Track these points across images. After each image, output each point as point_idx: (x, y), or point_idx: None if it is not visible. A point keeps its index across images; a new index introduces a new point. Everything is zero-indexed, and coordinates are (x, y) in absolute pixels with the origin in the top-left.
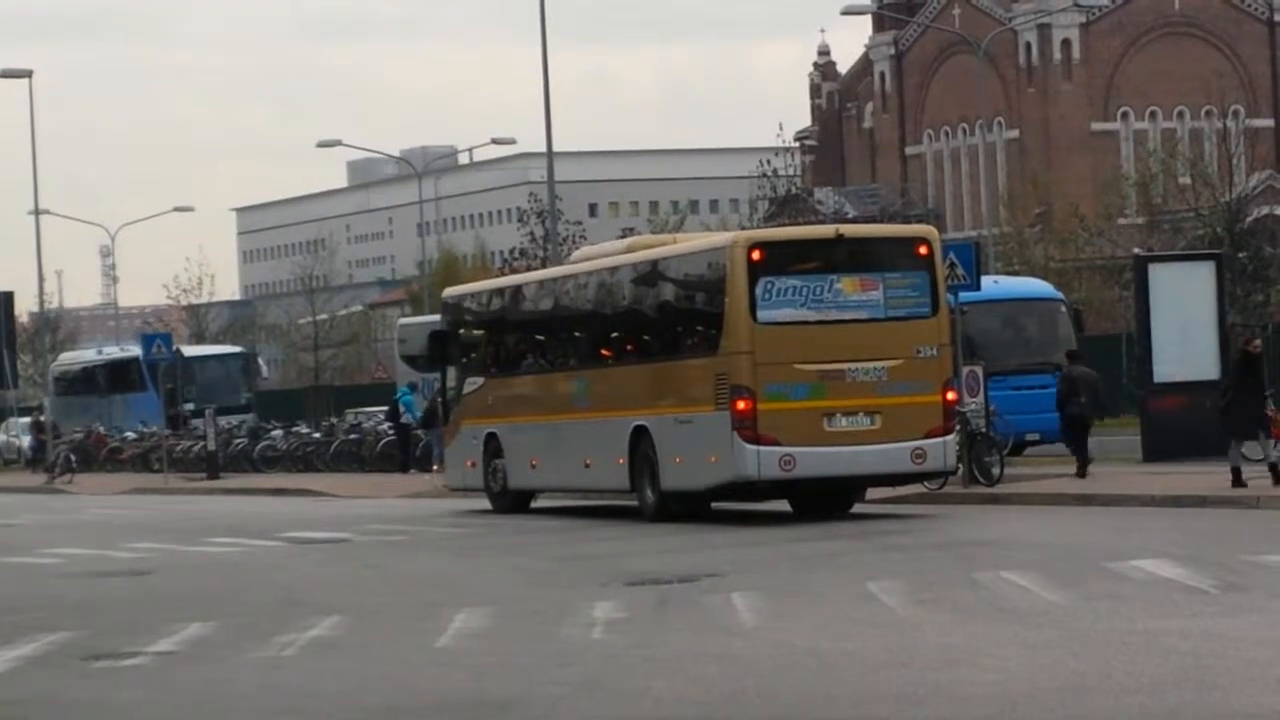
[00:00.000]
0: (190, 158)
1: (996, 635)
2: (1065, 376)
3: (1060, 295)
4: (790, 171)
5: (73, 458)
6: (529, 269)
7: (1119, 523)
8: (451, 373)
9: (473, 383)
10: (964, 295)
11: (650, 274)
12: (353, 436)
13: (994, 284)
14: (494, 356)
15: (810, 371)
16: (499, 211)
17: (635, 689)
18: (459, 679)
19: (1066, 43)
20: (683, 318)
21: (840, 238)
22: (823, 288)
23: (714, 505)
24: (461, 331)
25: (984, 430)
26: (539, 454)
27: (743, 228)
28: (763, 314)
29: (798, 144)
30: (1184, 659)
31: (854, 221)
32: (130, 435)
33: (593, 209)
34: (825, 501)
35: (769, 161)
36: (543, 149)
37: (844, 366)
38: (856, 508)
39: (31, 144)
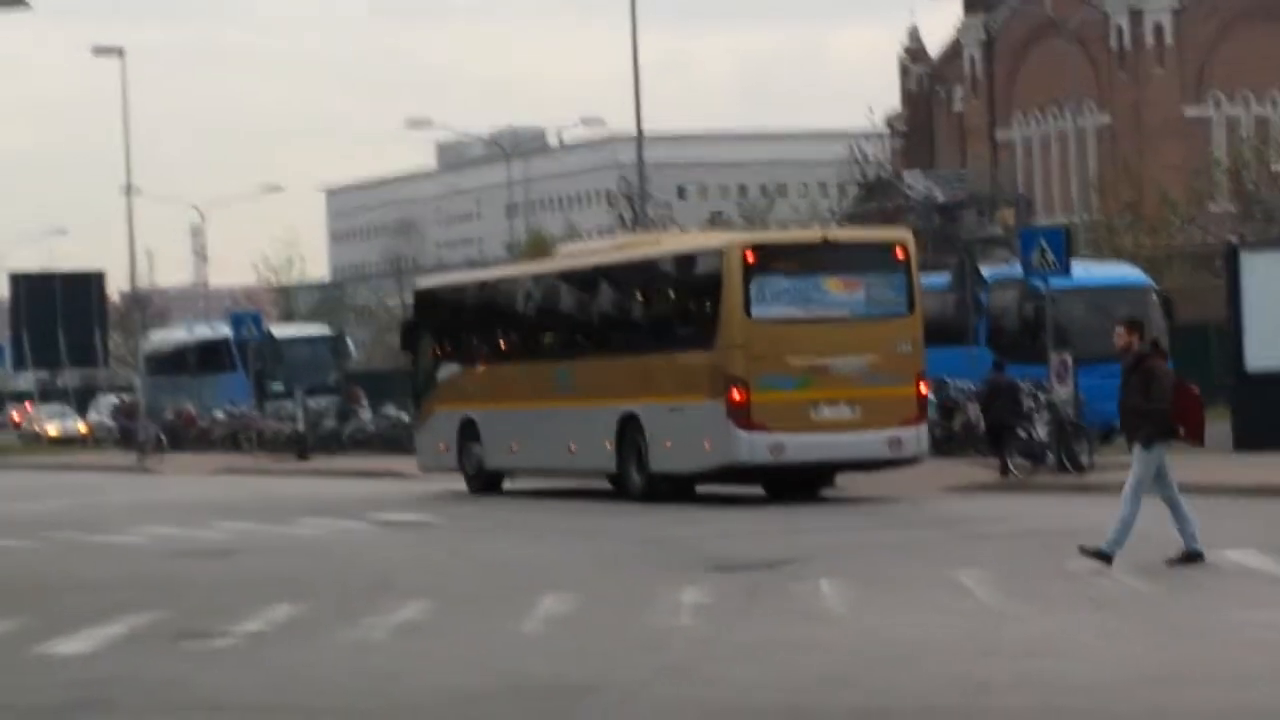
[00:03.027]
0: (279, 139)
1: (1084, 625)
2: (990, 383)
3: (1151, 282)
4: (880, 156)
5: (163, 437)
6: None
7: (1207, 512)
8: (423, 361)
9: (447, 370)
10: (1054, 281)
11: (645, 271)
12: None
13: (1084, 270)
14: (472, 346)
15: (798, 365)
16: (588, 193)
17: (719, 675)
18: (543, 663)
19: (1159, 26)
20: (676, 312)
21: (826, 242)
22: (810, 287)
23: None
24: (436, 322)
25: (1074, 419)
26: (519, 438)
27: (832, 212)
28: (756, 311)
29: (887, 128)
30: (1272, 650)
31: (943, 207)
32: (219, 415)
33: (681, 191)
34: (799, 485)
35: (859, 145)
36: (631, 131)
37: (829, 360)
38: (931, 496)
39: (124, 123)
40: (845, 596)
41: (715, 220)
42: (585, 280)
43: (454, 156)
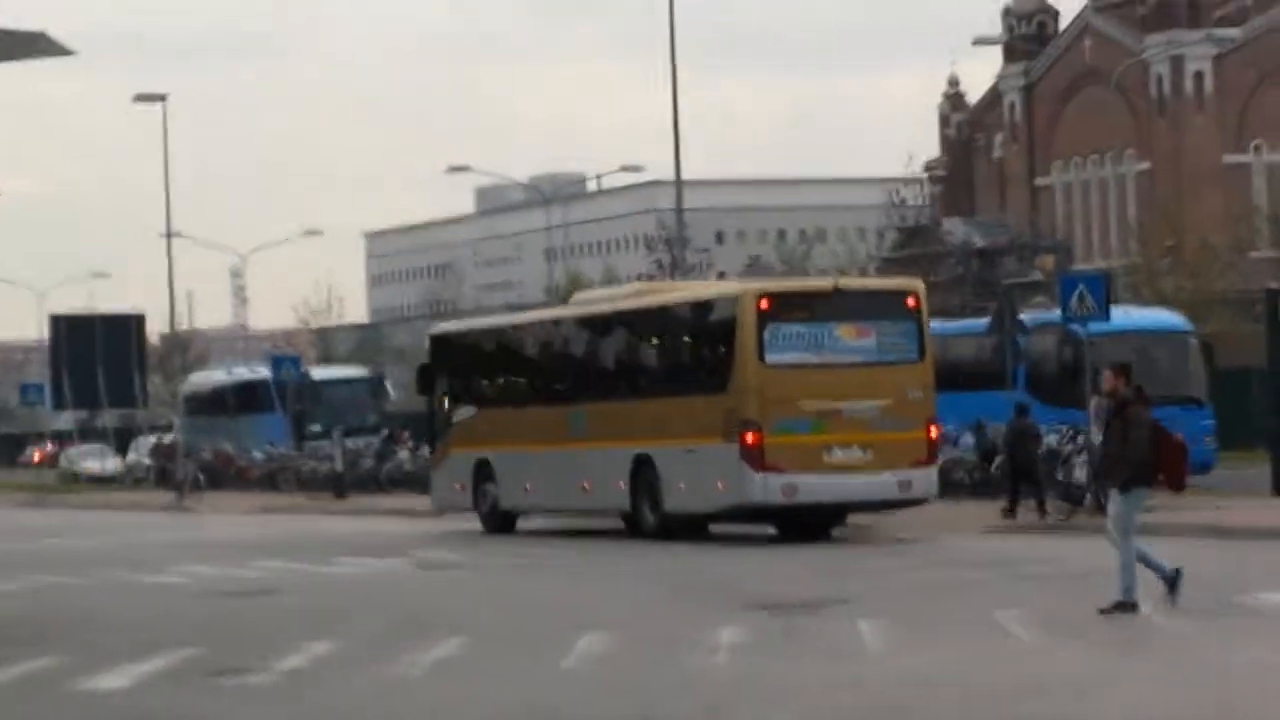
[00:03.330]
0: (319, 181)
1: (1128, 666)
2: (1014, 427)
3: (1191, 327)
4: (919, 202)
5: (201, 477)
6: None
7: (1250, 555)
8: (439, 404)
9: (463, 412)
10: (1094, 326)
11: (661, 317)
12: None
13: (1124, 315)
14: (488, 389)
15: (811, 409)
16: (626, 238)
17: (758, 715)
18: (582, 702)
19: (1199, 74)
20: (691, 357)
21: (838, 290)
22: (823, 334)
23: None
24: (451, 366)
25: None
26: (533, 478)
27: (870, 258)
28: (770, 357)
29: (926, 174)
30: None
31: (982, 252)
32: (258, 455)
33: (720, 237)
34: (811, 525)
35: (898, 191)
36: (670, 176)
37: (841, 405)
38: (969, 537)
39: (164, 167)
40: (884, 637)
41: (754, 264)
42: (601, 326)
43: (493, 200)
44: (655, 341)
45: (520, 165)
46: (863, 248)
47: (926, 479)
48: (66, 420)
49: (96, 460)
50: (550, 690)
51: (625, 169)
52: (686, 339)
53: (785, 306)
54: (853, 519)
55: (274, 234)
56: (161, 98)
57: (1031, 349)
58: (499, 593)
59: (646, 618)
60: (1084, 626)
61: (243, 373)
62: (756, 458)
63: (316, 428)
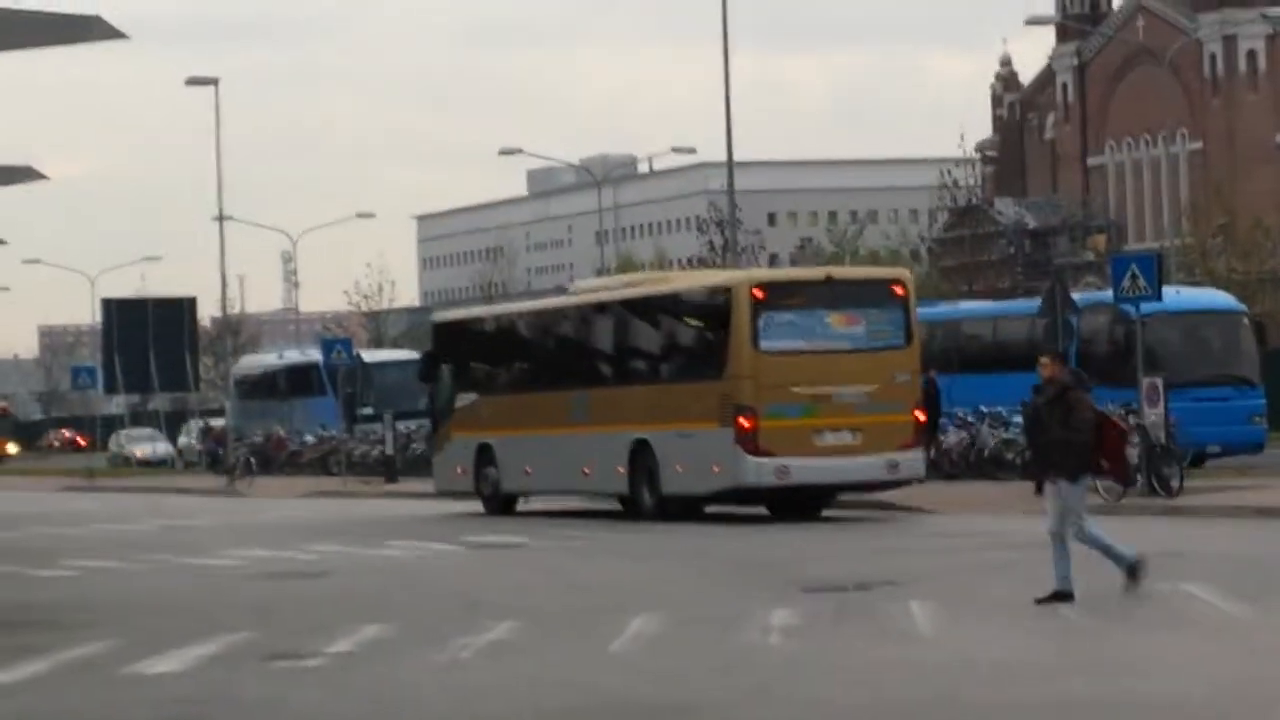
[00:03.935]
0: (370, 164)
1: (1176, 647)
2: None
3: (1242, 307)
4: (971, 182)
5: (252, 460)
6: None
7: None
8: (442, 389)
9: (464, 398)
10: (1145, 306)
11: (658, 306)
12: None
13: (1176, 295)
14: (489, 376)
15: (803, 394)
16: (678, 220)
17: (811, 697)
18: (634, 684)
19: (1252, 53)
20: (687, 344)
21: (829, 279)
22: (814, 322)
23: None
24: (454, 353)
25: (1164, 442)
26: (534, 462)
27: (921, 238)
28: (764, 344)
29: (978, 155)
30: None
31: (1034, 232)
32: (309, 439)
33: (771, 218)
34: (803, 506)
35: (950, 172)
36: (721, 158)
37: (832, 390)
38: (1020, 517)
39: (216, 150)
40: (935, 617)
41: (805, 247)
42: (600, 315)
43: (545, 183)
44: (653, 329)
45: (572, 147)
46: (914, 229)
47: (914, 461)
48: (119, 404)
49: (147, 444)
50: (602, 673)
51: (676, 150)
52: (683, 327)
53: (778, 295)
54: (925, 502)
55: (325, 217)
56: (213, 81)
57: (1083, 329)
58: (549, 574)
59: (697, 599)
60: (1133, 608)
61: (294, 356)
62: (751, 442)
63: (368, 411)
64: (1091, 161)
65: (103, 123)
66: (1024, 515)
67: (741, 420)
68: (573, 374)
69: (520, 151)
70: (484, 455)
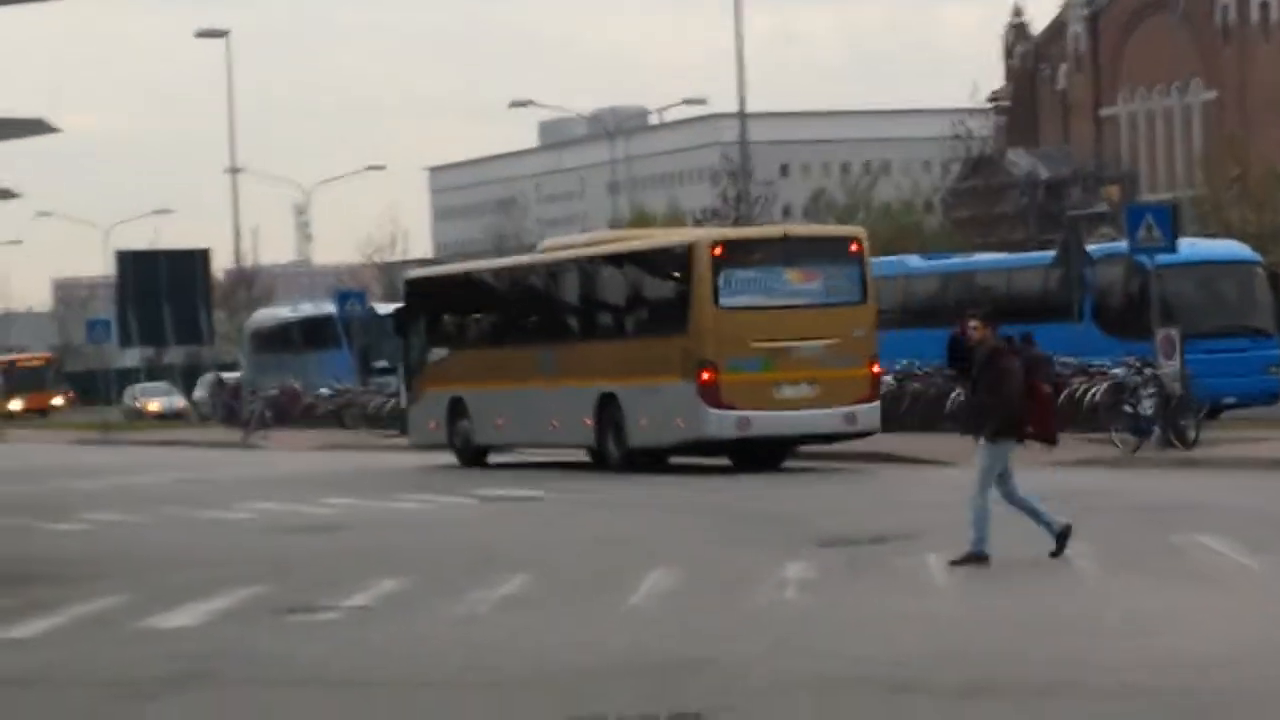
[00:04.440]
0: (382, 116)
1: (1193, 600)
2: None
3: (1258, 258)
4: (984, 133)
5: (268, 414)
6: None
7: None
8: (415, 344)
9: (437, 354)
10: (1160, 258)
11: (620, 263)
12: None
13: (1190, 246)
14: (461, 331)
15: (763, 348)
16: (690, 172)
17: (829, 649)
18: (651, 639)
19: (1265, 3)
20: (651, 301)
21: (787, 237)
22: (773, 278)
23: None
24: (427, 309)
25: (1180, 394)
26: (504, 416)
27: (935, 189)
28: (724, 300)
29: (991, 105)
30: None
31: (1047, 183)
32: (324, 392)
33: (784, 169)
34: (764, 456)
35: (963, 122)
36: (733, 109)
37: (790, 344)
38: (1037, 470)
39: (228, 103)
40: (951, 570)
41: (818, 199)
42: (568, 272)
43: (556, 134)
44: (618, 286)
45: (583, 99)
46: (927, 179)
47: (870, 413)
48: (134, 358)
49: (161, 397)
50: (618, 628)
51: (688, 102)
52: (647, 284)
53: (738, 253)
54: (945, 455)
55: (338, 169)
56: (224, 33)
57: (1098, 280)
58: (562, 528)
59: (712, 553)
60: (1149, 560)
61: (308, 309)
62: (712, 395)
63: (382, 363)
64: (1104, 112)
65: (114, 75)
66: (1040, 467)
67: (703, 374)
68: (541, 330)
69: (532, 103)
70: (456, 409)
